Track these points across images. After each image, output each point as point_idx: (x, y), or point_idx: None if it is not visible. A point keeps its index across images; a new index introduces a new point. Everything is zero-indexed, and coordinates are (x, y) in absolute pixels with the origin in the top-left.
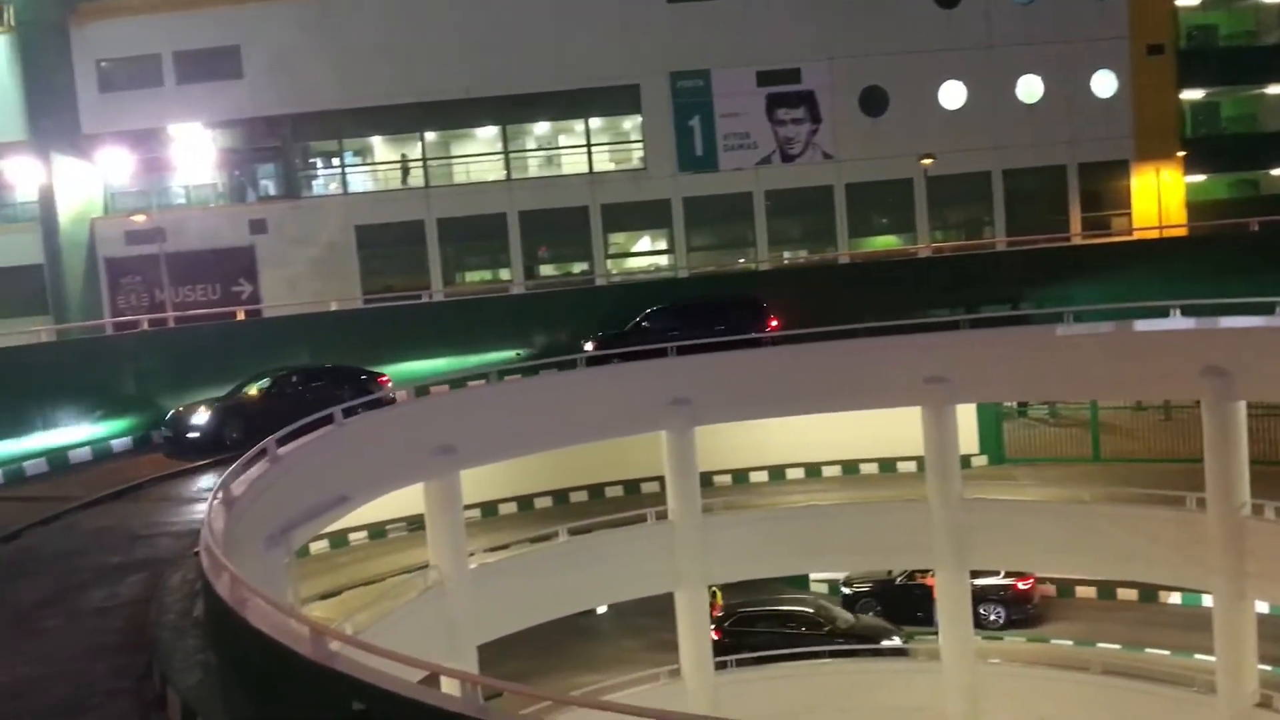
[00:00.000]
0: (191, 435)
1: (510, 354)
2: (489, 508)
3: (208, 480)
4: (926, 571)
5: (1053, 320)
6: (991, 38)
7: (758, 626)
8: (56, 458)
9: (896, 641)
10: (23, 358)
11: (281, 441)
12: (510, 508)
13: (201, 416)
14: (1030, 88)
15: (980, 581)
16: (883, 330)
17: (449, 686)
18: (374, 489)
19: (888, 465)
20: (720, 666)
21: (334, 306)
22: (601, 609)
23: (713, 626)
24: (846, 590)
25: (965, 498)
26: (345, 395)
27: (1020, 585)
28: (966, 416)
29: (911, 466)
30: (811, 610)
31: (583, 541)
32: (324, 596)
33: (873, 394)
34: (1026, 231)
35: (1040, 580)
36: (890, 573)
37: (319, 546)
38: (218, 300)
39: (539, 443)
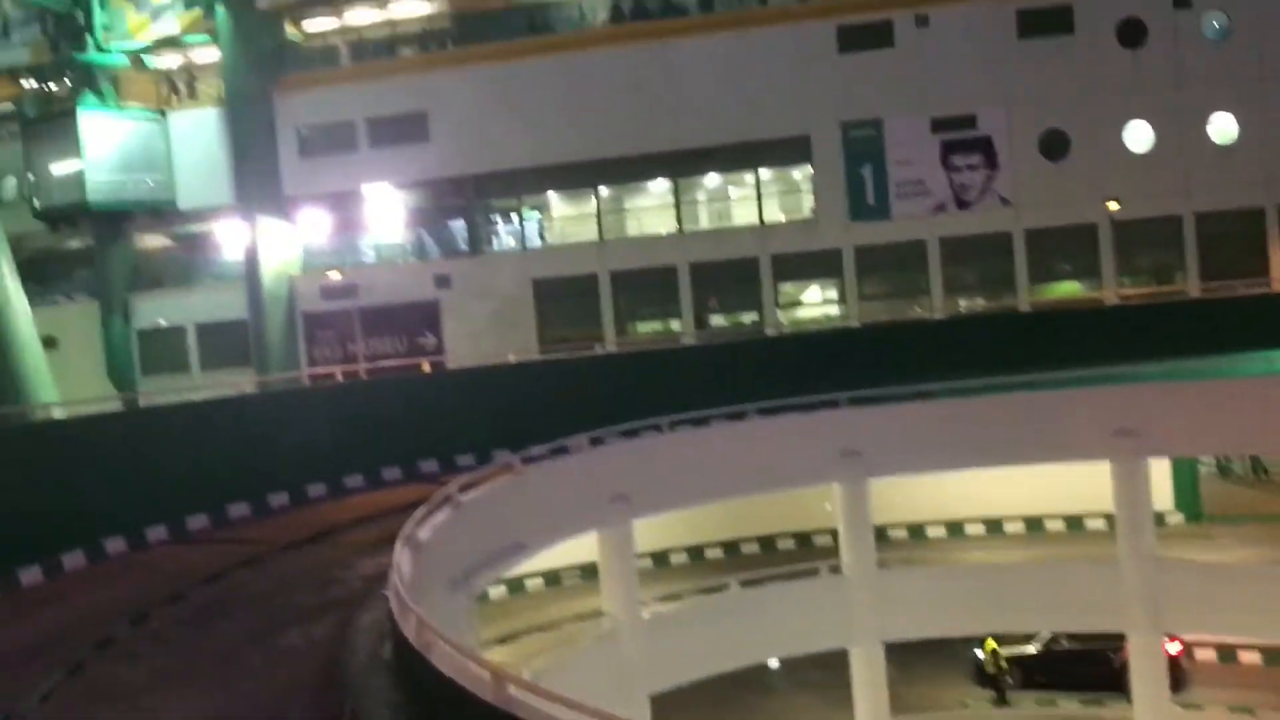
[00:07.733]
0: None
1: None
2: (660, 557)
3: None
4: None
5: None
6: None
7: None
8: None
9: None
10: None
11: (464, 488)
12: (681, 558)
13: None
14: (1224, 126)
15: None
16: (1068, 381)
17: None
18: (550, 536)
19: (1075, 522)
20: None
21: (512, 359)
22: (774, 663)
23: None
24: (980, 654)
25: (1159, 558)
26: None
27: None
28: (1160, 472)
29: (1101, 524)
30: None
31: (754, 593)
32: (502, 640)
33: (1057, 447)
34: (1223, 277)
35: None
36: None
37: (497, 592)
38: (404, 351)
39: (711, 493)
